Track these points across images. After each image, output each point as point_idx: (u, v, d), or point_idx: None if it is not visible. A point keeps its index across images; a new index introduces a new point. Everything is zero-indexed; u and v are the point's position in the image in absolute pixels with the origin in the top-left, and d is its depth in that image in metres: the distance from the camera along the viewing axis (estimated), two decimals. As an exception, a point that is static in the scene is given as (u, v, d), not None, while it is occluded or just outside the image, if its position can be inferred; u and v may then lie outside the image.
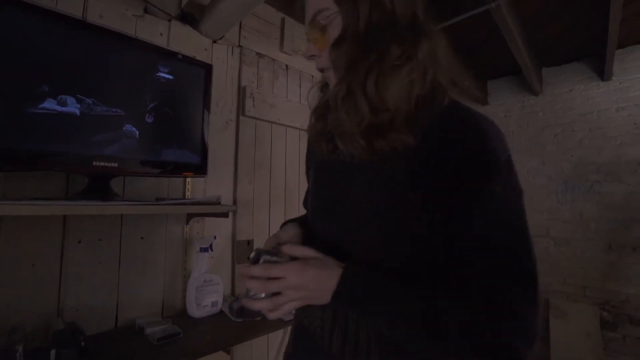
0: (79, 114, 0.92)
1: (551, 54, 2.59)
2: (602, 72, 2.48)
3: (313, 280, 0.44)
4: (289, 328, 1.32)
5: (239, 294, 1.46)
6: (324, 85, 0.61)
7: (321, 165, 0.58)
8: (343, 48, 0.47)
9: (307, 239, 0.58)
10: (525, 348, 0.38)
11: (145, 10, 1.27)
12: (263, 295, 0.46)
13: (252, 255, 0.48)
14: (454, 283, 0.42)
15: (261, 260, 0.47)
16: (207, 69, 1.21)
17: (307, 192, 0.66)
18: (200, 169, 1.17)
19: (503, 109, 3.05)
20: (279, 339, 1.48)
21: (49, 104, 0.88)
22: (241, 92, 1.54)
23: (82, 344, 0.89)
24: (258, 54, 1.64)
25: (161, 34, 1.31)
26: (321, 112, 0.57)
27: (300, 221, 0.64)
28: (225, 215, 1.16)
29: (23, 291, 0.96)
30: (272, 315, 0.46)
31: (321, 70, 0.53)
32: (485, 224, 0.41)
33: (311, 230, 0.58)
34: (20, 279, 0.96)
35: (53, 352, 0.84)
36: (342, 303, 0.45)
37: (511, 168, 0.43)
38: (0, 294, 0.93)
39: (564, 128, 2.70)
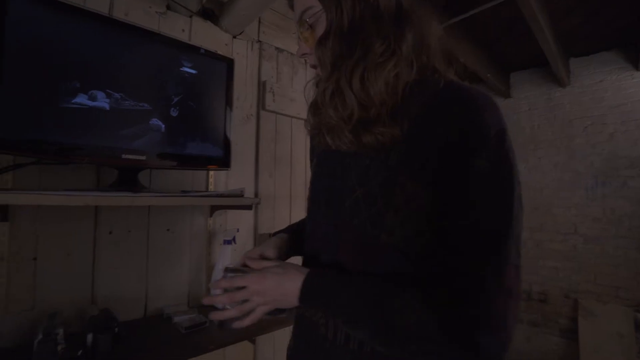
0: (108, 108, 0.95)
1: (579, 44, 2.47)
2: (636, 61, 2.36)
3: (275, 286, 0.48)
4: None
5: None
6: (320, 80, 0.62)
7: (321, 157, 0.59)
8: (328, 45, 0.48)
9: (307, 235, 0.59)
10: (494, 343, 0.36)
11: (168, 7, 1.30)
12: (229, 307, 0.51)
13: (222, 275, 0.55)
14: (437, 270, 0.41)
15: (227, 277, 0.53)
16: (229, 63, 1.22)
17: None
18: (223, 162, 1.19)
19: (526, 102, 2.94)
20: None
21: (81, 99, 0.91)
22: (261, 86, 1.55)
23: (116, 329, 0.92)
24: (277, 48, 1.65)
25: (183, 30, 1.33)
26: (316, 107, 0.57)
27: (291, 229, 0.70)
28: (249, 207, 1.18)
29: (60, 279, 1.01)
30: (243, 323, 0.50)
31: (314, 67, 0.54)
32: (463, 203, 0.39)
33: (310, 223, 0.59)
34: (57, 268, 1.00)
35: (90, 337, 0.88)
36: (310, 304, 0.49)
37: (502, 142, 0.40)
38: (41, 281, 0.97)
39: (594, 121, 2.58)
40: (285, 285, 0.48)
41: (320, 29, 0.49)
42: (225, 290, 0.51)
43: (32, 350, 0.79)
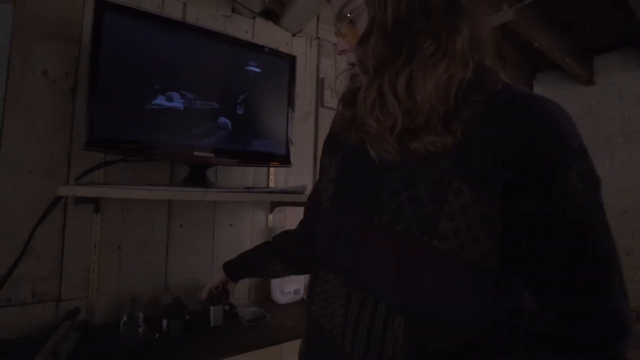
0: (182, 108, 1.01)
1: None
2: None
3: None
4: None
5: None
6: (355, 74, 0.56)
7: (349, 153, 0.54)
8: (370, 45, 0.43)
9: (324, 238, 0.55)
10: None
11: (233, 10, 1.35)
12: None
13: None
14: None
15: None
16: (291, 60, 1.23)
17: (321, 183, 0.61)
18: (285, 159, 1.20)
19: (615, 89, 2.55)
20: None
21: (160, 100, 0.98)
22: (319, 83, 1.54)
23: (187, 317, 0.98)
24: (335, 44, 1.62)
25: (246, 32, 1.37)
26: (349, 99, 0.54)
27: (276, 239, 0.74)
28: (309, 204, 1.18)
29: (140, 267, 1.10)
30: None
31: (352, 65, 0.51)
32: (562, 221, 0.36)
33: (330, 225, 0.54)
34: (137, 257, 1.10)
35: (165, 322, 0.94)
36: None
37: (586, 155, 0.37)
38: (124, 268, 1.07)
39: None
40: None
41: (362, 26, 0.45)
42: None
43: (118, 330, 0.87)
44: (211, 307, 1.04)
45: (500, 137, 0.37)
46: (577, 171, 0.36)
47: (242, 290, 1.31)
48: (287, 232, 0.79)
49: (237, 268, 0.80)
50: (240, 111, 1.12)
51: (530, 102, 0.38)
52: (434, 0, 0.42)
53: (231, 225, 1.30)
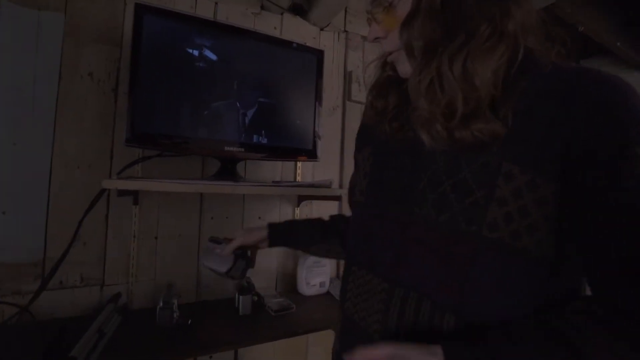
0: (214, 104, 1.05)
1: None
2: None
3: None
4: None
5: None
6: (385, 63, 0.55)
7: (383, 145, 0.53)
8: (416, 27, 0.41)
9: (358, 235, 0.54)
10: None
11: (262, 7, 1.37)
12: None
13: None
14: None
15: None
16: (319, 55, 1.23)
17: (355, 177, 0.60)
18: (312, 154, 1.21)
19: (675, 76, 2.31)
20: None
21: (193, 97, 1.02)
22: (347, 77, 1.53)
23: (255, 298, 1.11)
24: (363, 37, 1.60)
25: (275, 27, 1.39)
26: (380, 90, 0.54)
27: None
28: (337, 198, 1.18)
29: (174, 256, 1.16)
30: None
31: (389, 54, 0.49)
32: (629, 201, 0.33)
33: (366, 220, 0.53)
34: (172, 246, 1.16)
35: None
36: None
37: None
38: (160, 257, 1.14)
39: None
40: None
41: (403, 9, 0.43)
42: None
43: (155, 314, 0.93)
44: (240, 297, 1.08)
45: (556, 116, 0.35)
46: None
47: (269, 281, 1.34)
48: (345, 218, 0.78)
49: (283, 234, 0.77)
50: (268, 107, 1.14)
51: (586, 76, 0.36)
52: None
53: (259, 218, 1.34)
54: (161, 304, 0.95)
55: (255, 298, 1.13)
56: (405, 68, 0.47)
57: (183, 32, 1.00)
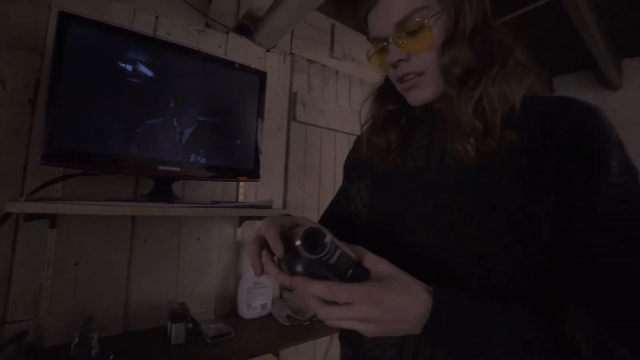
0: (147, 121, 1.00)
1: (633, 43, 2.26)
2: (703, 62, 2.11)
3: (393, 311, 0.35)
4: (337, 335, 1.30)
5: (286, 298, 1.47)
6: (380, 95, 0.58)
7: (383, 177, 0.54)
8: (455, 51, 0.44)
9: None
10: None
11: (206, 25, 1.36)
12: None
13: (301, 235, 0.35)
14: (565, 286, 0.37)
15: (328, 246, 0.34)
16: (261, 76, 1.25)
17: (347, 207, 0.60)
18: (253, 174, 1.21)
19: (574, 109, 2.74)
20: (325, 345, 1.46)
21: (123, 113, 0.97)
22: (292, 98, 1.57)
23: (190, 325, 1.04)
24: (309, 60, 1.66)
25: (220, 46, 1.38)
26: (380, 127, 0.55)
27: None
28: (276, 219, 1.18)
29: (98, 284, 1.06)
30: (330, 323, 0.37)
31: (402, 77, 0.49)
32: (610, 206, 0.37)
33: (368, 240, 0.53)
34: (96, 273, 1.06)
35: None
36: (436, 339, 0.38)
37: (623, 146, 0.39)
38: (81, 285, 1.03)
39: (653, 128, 2.33)
40: (403, 310, 0.36)
41: (434, 34, 0.45)
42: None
43: (69, 352, 0.83)
44: (173, 325, 1.02)
45: (548, 136, 0.40)
46: (617, 158, 0.38)
47: (207, 305, 1.28)
48: None
49: None
50: (208, 126, 1.12)
51: (568, 102, 0.42)
52: (491, 17, 0.47)
53: (198, 239, 1.28)
54: (77, 339, 0.85)
55: (190, 325, 1.07)
56: (424, 94, 0.49)
57: (115, 45, 0.95)
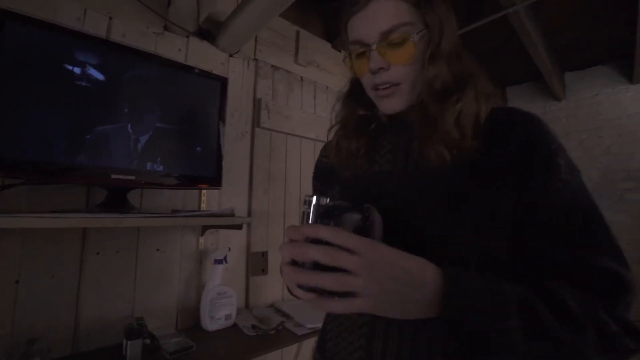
0: (98, 127, 0.95)
1: (574, 58, 2.50)
2: (630, 75, 2.37)
3: (400, 269, 0.34)
4: (305, 342, 1.30)
5: (252, 307, 1.44)
6: (349, 100, 0.59)
7: (351, 182, 0.56)
8: (438, 67, 0.48)
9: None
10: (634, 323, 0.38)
11: (165, 28, 1.32)
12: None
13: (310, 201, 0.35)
14: (526, 275, 0.41)
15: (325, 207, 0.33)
16: (223, 82, 1.23)
17: None
18: (215, 181, 1.18)
19: (524, 116, 2.96)
20: (293, 354, 1.44)
21: (72, 118, 0.91)
22: (256, 104, 1.55)
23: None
24: (273, 66, 1.66)
25: (179, 50, 1.34)
26: (351, 131, 0.57)
27: None
28: (239, 227, 1.16)
29: (42, 303, 0.98)
30: (339, 308, 0.34)
31: (380, 85, 0.51)
32: (564, 201, 0.42)
33: None
34: (40, 291, 0.98)
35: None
36: (460, 303, 0.35)
37: (564, 149, 0.45)
38: (22, 305, 0.95)
39: (590, 134, 2.58)
40: (414, 270, 0.34)
41: (417, 48, 0.48)
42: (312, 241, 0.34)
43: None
44: (128, 342, 0.96)
45: (506, 141, 0.45)
46: (563, 158, 0.44)
47: (168, 319, 1.23)
48: None
49: None
50: (166, 132, 1.08)
51: (518, 112, 0.48)
52: (458, 41, 0.51)
53: (158, 249, 1.23)
54: (16, 365, 0.78)
55: (148, 341, 1.02)
56: (398, 102, 0.51)
57: (60, 46, 0.90)
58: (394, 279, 0.34)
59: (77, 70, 0.92)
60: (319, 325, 0.60)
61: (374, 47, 0.48)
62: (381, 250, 0.34)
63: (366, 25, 0.48)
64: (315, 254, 0.33)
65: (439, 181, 0.47)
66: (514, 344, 0.35)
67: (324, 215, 0.36)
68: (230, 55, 1.50)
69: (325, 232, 0.33)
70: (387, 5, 0.47)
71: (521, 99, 2.98)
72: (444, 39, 0.48)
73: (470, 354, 0.39)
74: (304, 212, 0.38)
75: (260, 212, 1.53)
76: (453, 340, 0.39)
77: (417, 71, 0.49)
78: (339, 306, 0.33)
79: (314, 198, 0.37)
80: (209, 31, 1.44)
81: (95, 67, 0.95)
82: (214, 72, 1.31)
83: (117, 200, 1.00)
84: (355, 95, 0.58)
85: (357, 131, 0.56)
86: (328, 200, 0.37)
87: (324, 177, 0.64)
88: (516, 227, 0.43)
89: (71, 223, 0.79)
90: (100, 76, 0.96)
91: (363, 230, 0.36)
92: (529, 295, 0.37)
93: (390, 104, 0.52)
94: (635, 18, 1.70)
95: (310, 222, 0.37)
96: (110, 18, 1.18)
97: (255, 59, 1.59)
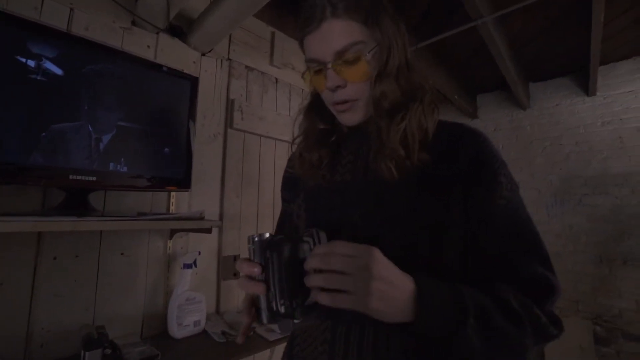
0: (55, 124, 0.89)
1: (537, 70, 2.65)
2: (587, 87, 2.54)
3: (386, 267, 0.40)
4: (277, 347, 1.28)
5: (223, 312, 1.41)
6: (310, 112, 0.61)
7: (315, 191, 0.58)
8: (385, 85, 0.50)
9: None
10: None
11: (133, 23, 1.27)
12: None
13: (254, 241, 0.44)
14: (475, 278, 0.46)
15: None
16: (193, 81, 1.19)
17: (290, 223, 0.63)
18: (183, 183, 1.14)
19: (493, 123, 3.09)
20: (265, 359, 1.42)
21: (25, 115, 0.85)
22: (229, 105, 1.53)
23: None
24: (247, 67, 1.64)
25: (148, 47, 1.30)
26: (312, 143, 0.59)
27: None
28: (208, 231, 1.13)
29: (-10, 312, 0.91)
30: (325, 300, 0.39)
31: (341, 102, 0.53)
32: (504, 217, 0.47)
33: None
34: (-13, 300, 0.90)
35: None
36: (427, 309, 0.40)
37: (506, 165, 0.50)
38: (-36, 315, 0.87)
39: (552, 142, 2.74)
40: (396, 274, 0.40)
41: (370, 66, 0.49)
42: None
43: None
44: (86, 353, 0.91)
45: (454, 155, 0.49)
46: (504, 175, 0.48)
47: (132, 327, 1.17)
48: None
49: None
50: (130, 131, 1.03)
51: (465, 129, 0.52)
52: (409, 56, 0.53)
53: (122, 253, 1.17)
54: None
55: (109, 351, 0.97)
56: (357, 116, 0.54)
57: (10, 36, 0.84)
58: (381, 280, 0.39)
59: (31, 62, 0.86)
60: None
61: (329, 65, 0.50)
62: (374, 254, 0.40)
63: (321, 45, 0.50)
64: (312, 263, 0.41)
65: (393, 191, 0.49)
66: (471, 343, 0.40)
67: (267, 246, 0.44)
68: (203, 54, 1.47)
69: (335, 246, 0.41)
70: (338, 25, 0.48)
71: (490, 107, 3.11)
72: (391, 57, 0.50)
73: (431, 354, 0.44)
74: (249, 249, 0.45)
75: (233, 215, 1.50)
76: (419, 343, 0.43)
77: (371, 88, 0.52)
78: (325, 298, 0.39)
79: (257, 236, 0.45)
80: (180, 28, 1.40)
81: (52, 60, 0.89)
82: (185, 71, 1.28)
83: (76, 203, 0.95)
84: (316, 108, 0.61)
85: (318, 143, 0.59)
86: (268, 235, 0.46)
87: (290, 187, 0.66)
88: (464, 237, 0.47)
89: (23, 227, 0.74)
90: (57, 70, 0.90)
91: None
92: (483, 300, 0.42)
93: (349, 118, 0.54)
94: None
95: (255, 256, 0.44)
96: (72, 9, 1.12)
97: (229, 59, 1.56)
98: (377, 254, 0.40)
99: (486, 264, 0.47)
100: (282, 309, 0.42)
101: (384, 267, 0.40)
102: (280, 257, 0.42)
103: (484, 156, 0.49)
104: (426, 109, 0.51)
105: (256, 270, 0.44)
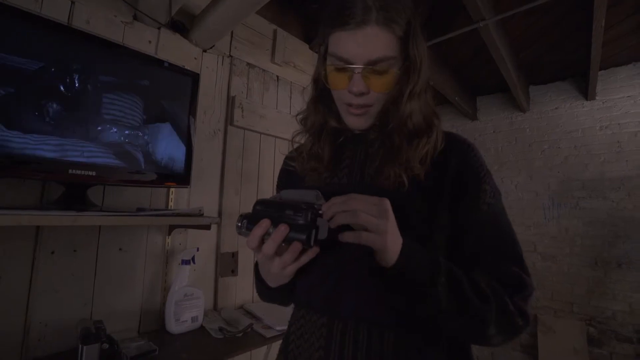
0: (54, 117, 0.89)
1: (537, 73, 2.65)
2: (586, 91, 2.55)
3: (389, 213, 0.44)
4: (273, 345, 1.28)
5: (221, 309, 1.41)
6: (318, 107, 0.60)
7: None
8: (414, 104, 0.51)
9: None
10: (528, 310, 0.48)
11: (135, 17, 1.26)
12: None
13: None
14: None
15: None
16: (194, 77, 1.19)
17: None
18: (183, 180, 1.14)
19: (492, 125, 3.10)
20: (262, 356, 1.43)
21: (24, 108, 0.85)
22: (230, 101, 1.52)
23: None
24: (249, 64, 1.63)
25: (150, 42, 1.29)
26: (319, 138, 0.59)
27: None
28: (207, 227, 1.13)
29: (-13, 305, 0.91)
30: (350, 237, 0.43)
31: (360, 109, 0.53)
32: (487, 222, 0.51)
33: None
34: (-16, 293, 0.90)
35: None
36: (407, 254, 0.44)
37: (491, 174, 0.54)
38: (-38, 308, 0.87)
39: (551, 145, 2.75)
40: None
41: (394, 80, 0.50)
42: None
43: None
44: (84, 347, 0.91)
45: (443, 166, 0.52)
46: (489, 183, 0.52)
47: (130, 322, 1.17)
48: None
49: None
50: (132, 127, 1.03)
51: (455, 138, 0.55)
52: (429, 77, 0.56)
53: (120, 249, 1.17)
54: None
55: (106, 346, 0.97)
56: (366, 122, 0.55)
57: (21, 32, 0.83)
58: (394, 224, 0.44)
59: (31, 56, 0.85)
60: (288, 326, 0.61)
61: (358, 70, 0.49)
62: (388, 202, 0.44)
63: (355, 48, 0.48)
64: (358, 204, 0.43)
65: (389, 197, 0.49)
66: (441, 296, 0.44)
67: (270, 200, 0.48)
68: (204, 51, 1.46)
69: (352, 195, 0.44)
70: (380, 34, 0.47)
71: (490, 109, 3.12)
72: (421, 77, 0.52)
73: (420, 348, 0.47)
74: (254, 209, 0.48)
75: (231, 212, 1.50)
76: (396, 293, 0.47)
77: (387, 97, 0.53)
78: (350, 236, 0.43)
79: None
80: (182, 24, 1.39)
81: (54, 54, 0.89)
82: (186, 67, 1.27)
83: (75, 197, 0.95)
84: (323, 103, 0.59)
85: (327, 140, 0.59)
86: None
87: (287, 181, 0.66)
88: (450, 238, 0.51)
89: (21, 221, 0.74)
90: (62, 65, 0.90)
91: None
92: (456, 270, 0.46)
93: (360, 122, 0.55)
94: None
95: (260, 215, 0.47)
96: (73, 2, 1.11)
97: (230, 56, 1.56)
98: (390, 203, 0.44)
99: (465, 263, 0.49)
100: (308, 218, 0.43)
101: (393, 214, 0.44)
102: (287, 190, 0.50)
103: (471, 165, 0.53)
104: (439, 133, 0.54)
105: (265, 224, 0.45)
